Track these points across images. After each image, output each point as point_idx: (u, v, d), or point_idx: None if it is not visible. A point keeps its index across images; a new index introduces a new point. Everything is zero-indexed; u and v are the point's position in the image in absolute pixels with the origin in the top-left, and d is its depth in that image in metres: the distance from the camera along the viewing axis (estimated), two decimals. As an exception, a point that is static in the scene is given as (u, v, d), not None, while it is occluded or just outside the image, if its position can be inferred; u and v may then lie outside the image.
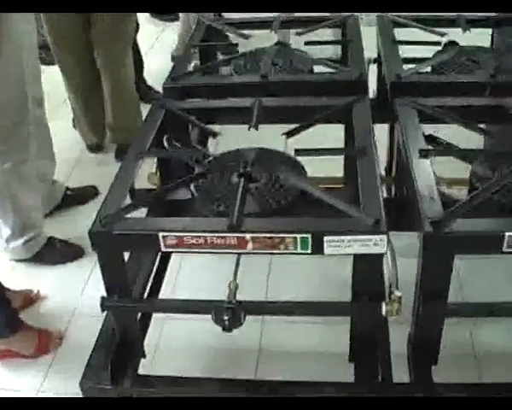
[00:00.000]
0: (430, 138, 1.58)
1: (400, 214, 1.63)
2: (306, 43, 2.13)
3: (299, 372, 1.61)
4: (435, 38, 2.06)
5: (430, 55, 1.98)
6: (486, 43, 2.21)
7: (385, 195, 1.86)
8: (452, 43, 2.06)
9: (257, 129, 1.62)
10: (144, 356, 1.56)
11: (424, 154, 1.45)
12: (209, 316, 1.36)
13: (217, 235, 1.28)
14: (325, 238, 1.25)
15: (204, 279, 2.15)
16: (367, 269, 1.31)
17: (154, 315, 1.72)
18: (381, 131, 1.84)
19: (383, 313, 1.33)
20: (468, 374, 1.74)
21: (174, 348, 2.01)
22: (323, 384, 1.44)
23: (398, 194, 1.90)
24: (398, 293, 1.33)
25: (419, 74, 1.83)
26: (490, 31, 2.25)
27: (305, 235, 1.26)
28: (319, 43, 2.20)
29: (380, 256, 1.28)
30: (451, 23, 2.13)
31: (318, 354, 1.90)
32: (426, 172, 1.41)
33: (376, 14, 2.22)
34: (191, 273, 2.24)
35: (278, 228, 1.28)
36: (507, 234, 1.22)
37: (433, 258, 1.28)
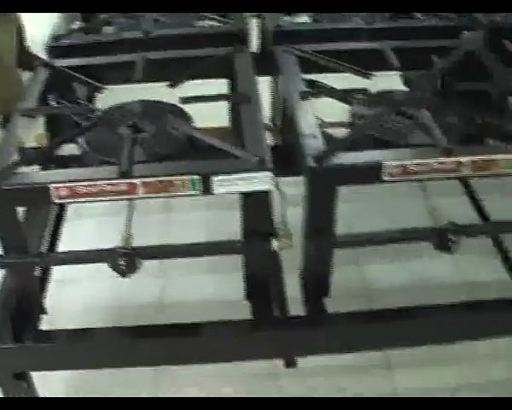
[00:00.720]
0: (310, 82, 1.67)
1: (287, 162, 1.71)
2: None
3: (199, 318, 1.68)
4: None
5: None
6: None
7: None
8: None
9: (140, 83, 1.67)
10: (45, 312, 1.59)
11: (304, 96, 1.54)
12: (108, 275, 1.42)
13: (107, 182, 1.32)
14: (213, 178, 1.32)
15: (103, 232, 2.18)
16: (255, 207, 1.39)
17: (55, 279, 1.75)
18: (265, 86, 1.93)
19: (274, 248, 1.42)
20: (361, 305, 1.84)
21: (75, 307, 2.05)
22: (221, 324, 1.52)
23: (284, 143, 1.99)
24: (287, 228, 1.43)
25: (299, 24, 1.92)
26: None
27: (194, 176, 1.32)
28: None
29: (266, 193, 1.36)
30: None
31: (217, 301, 1.99)
32: (307, 112, 1.50)
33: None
34: (89, 227, 2.28)
35: (168, 172, 1.34)
36: (385, 163, 1.34)
37: (317, 191, 1.38)
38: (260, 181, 1.33)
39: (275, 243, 1.42)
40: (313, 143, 1.39)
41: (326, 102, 1.64)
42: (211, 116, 1.71)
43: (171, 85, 1.65)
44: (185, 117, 1.58)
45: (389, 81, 1.76)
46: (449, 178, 1.40)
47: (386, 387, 1.86)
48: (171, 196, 1.35)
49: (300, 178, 1.42)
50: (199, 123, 1.59)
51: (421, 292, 1.97)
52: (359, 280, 2.13)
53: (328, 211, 1.40)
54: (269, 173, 1.33)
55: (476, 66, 1.74)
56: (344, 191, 1.39)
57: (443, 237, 1.43)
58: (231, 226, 1.53)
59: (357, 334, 1.57)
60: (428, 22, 1.96)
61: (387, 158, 1.35)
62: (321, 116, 1.59)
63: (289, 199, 1.43)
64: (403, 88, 1.73)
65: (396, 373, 1.92)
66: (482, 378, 1.90)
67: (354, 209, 2.09)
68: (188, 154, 1.48)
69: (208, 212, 2.32)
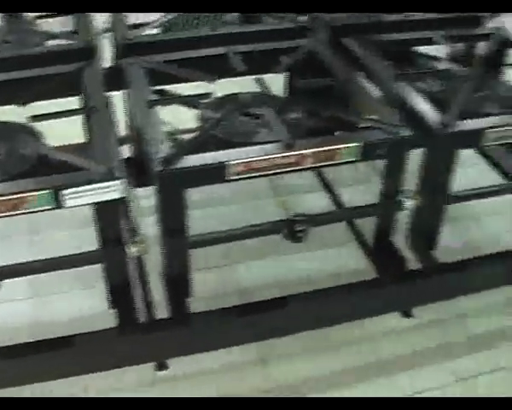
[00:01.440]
0: (158, 91, 1.75)
1: (143, 172, 1.79)
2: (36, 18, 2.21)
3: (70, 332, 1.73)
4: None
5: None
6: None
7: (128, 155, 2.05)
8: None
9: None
10: None
11: (150, 105, 1.62)
12: None
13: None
14: (64, 192, 1.38)
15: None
16: (109, 216, 1.46)
17: None
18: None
19: (132, 253, 1.49)
20: (233, 302, 1.92)
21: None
22: (87, 335, 1.57)
23: (137, 150, 2.06)
24: (141, 233, 1.51)
25: (145, 35, 2.00)
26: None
27: (44, 192, 1.37)
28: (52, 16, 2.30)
29: (118, 201, 1.43)
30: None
31: (88, 314, 2.03)
32: (153, 120, 1.58)
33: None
34: None
35: (20, 189, 1.38)
36: (228, 163, 1.43)
37: (166, 195, 1.46)
38: (111, 190, 1.40)
39: (131, 249, 1.49)
40: (159, 149, 1.47)
41: (182, 110, 1.74)
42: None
43: (22, 104, 1.68)
44: (35, 135, 1.63)
45: (241, 84, 1.88)
46: (293, 171, 1.51)
47: (263, 383, 1.96)
48: (25, 212, 1.39)
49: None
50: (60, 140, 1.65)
51: (291, 285, 2.08)
52: (231, 279, 2.22)
53: (179, 213, 1.49)
54: (119, 182, 1.40)
55: (319, 64, 1.87)
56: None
57: (291, 228, 1.54)
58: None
59: (223, 330, 1.66)
60: (274, 25, 2.08)
61: (231, 157, 1.44)
62: (174, 123, 1.68)
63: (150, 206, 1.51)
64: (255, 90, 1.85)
65: (272, 368, 2.02)
66: (356, 362, 2.04)
67: (211, 211, 2.20)
68: (40, 171, 1.53)
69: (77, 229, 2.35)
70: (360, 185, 2.41)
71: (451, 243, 2.28)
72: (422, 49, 2.11)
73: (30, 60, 1.88)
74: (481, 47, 2.12)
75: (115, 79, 1.90)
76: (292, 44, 1.93)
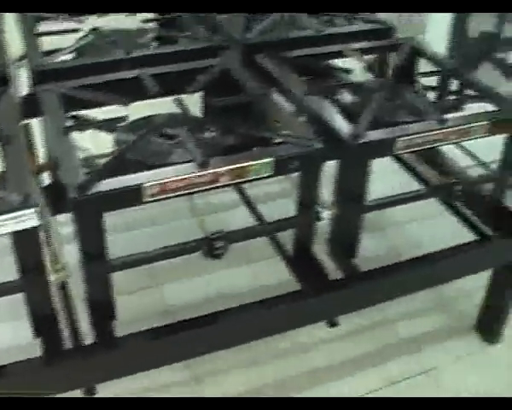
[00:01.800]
0: (74, 117, 1.78)
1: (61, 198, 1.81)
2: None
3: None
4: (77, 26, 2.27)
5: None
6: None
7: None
8: (95, 30, 2.29)
9: None
10: None
11: (66, 131, 1.64)
12: None
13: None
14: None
15: None
16: (26, 244, 1.47)
17: None
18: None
19: (53, 281, 1.51)
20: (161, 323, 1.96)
21: None
22: (12, 365, 1.58)
23: (54, 177, 2.08)
24: (62, 261, 1.53)
25: (59, 62, 2.02)
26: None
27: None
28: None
29: (36, 229, 1.45)
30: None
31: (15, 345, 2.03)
32: (68, 146, 1.60)
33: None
34: None
35: None
36: (144, 185, 1.47)
37: (83, 220, 1.48)
38: (27, 218, 1.41)
39: (52, 276, 1.51)
40: (74, 175, 1.49)
41: (101, 135, 1.77)
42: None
43: None
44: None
45: (159, 106, 1.92)
46: (210, 189, 1.56)
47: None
48: None
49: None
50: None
51: (216, 302, 2.12)
52: (158, 300, 2.26)
53: (98, 238, 1.51)
54: (34, 210, 1.41)
55: (233, 82, 1.93)
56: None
57: (210, 246, 1.59)
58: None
59: (151, 351, 1.69)
60: (188, 46, 2.13)
61: (147, 179, 1.48)
62: (90, 149, 1.71)
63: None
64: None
65: (205, 385, 2.06)
66: (288, 374, 2.10)
67: (131, 234, 2.24)
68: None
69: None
70: (282, 199, 2.48)
71: (373, 250, 2.37)
72: (337, 62, 2.18)
73: None
74: (393, 58, 2.21)
75: (31, 106, 1.90)
76: (205, 64, 1.98)
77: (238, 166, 1.55)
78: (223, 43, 2.11)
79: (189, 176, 1.51)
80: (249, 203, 2.26)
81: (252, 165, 1.56)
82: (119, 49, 2.06)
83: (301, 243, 1.80)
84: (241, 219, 2.14)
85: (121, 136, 1.69)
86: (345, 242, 1.85)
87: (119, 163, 1.56)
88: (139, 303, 2.18)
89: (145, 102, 1.88)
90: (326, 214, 1.71)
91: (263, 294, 1.86)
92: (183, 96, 1.90)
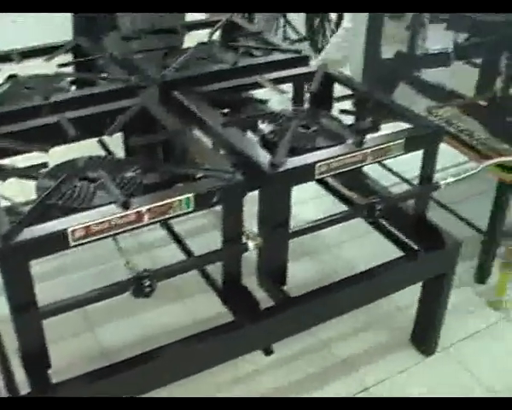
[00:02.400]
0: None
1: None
2: None
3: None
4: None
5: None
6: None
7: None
8: (12, 77, 2.33)
9: None
10: None
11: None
12: None
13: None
14: None
15: None
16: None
17: None
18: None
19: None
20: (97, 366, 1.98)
21: None
22: None
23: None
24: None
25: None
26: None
27: None
28: None
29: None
30: (7, 58, 2.43)
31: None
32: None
33: None
34: None
35: None
36: (68, 230, 1.52)
37: (10, 270, 1.52)
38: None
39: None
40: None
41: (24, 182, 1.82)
42: None
43: None
44: None
45: (81, 149, 1.97)
46: (134, 229, 1.61)
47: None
48: None
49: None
50: None
51: (152, 340, 2.17)
52: (93, 343, 2.30)
53: (26, 286, 1.55)
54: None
55: (151, 120, 2.00)
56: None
57: (138, 285, 1.64)
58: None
59: (87, 395, 1.73)
60: (106, 87, 2.20)
61: (71, 224, 1.53)
62: (12, 197, 1.76)
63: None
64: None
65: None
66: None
67: (59, 280, 2.27)
68: None
69: None
70: (210, 232, 2.55)
71: (305, 275, 2.45)
72: (254, 93, 2.28)
73: None
74: (308, 85, 2.31)
75: None
76: (123, 104, 2.05)
77: (159, 203, 1.61)
78: (140, 83, 2.18)
79: (111, 217, 1.56)
80: (177, 239, 2.32)
81: (173, 202, 1.62)
82: (37, 95, 2.11)
83: (231, 275, 1.86)
84: (170, 255, 2.19)
85: (43, 182, 1.74)
86: (273, 269, 1.93)
87: (42, 210, 1.60)
88: (74, 348, 2.21)
89: (66, 146, 1.94)
90: (252, 245, 1.77)
91: (197, 328, 1.91)
92: (105, 138, 1.96)
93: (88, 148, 2.05)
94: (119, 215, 1.57)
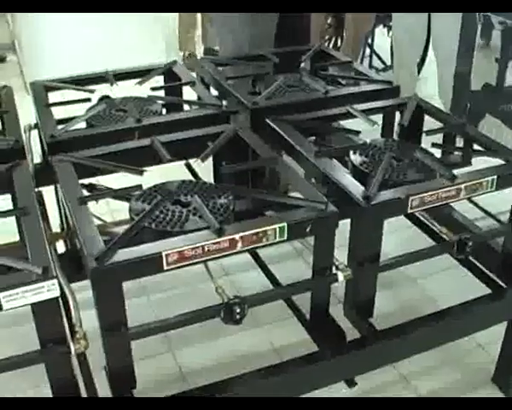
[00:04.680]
0: (88, 186, 1.82)
1: (78, 266, 1.82)
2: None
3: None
4: (87, 95, 2.33)
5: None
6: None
7: (63, 250, 2.09)
8: (106, 97, 2.35)
9: None
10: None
11: (82, 201, 1.68)
12: None
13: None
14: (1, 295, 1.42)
15: None
16: (46, 315, 1.49)
17: None
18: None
19: (74, 351, 1.53)
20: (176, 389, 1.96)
21: None
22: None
23: (71, 245, 2.11)
24: (81, 330, 1.55)
25: (72, 131, 2.07)
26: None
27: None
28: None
29: (55, 300, 1.47)
30: (101, 79, 2.44)
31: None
32: (85, 216, 1.63)
33: (29, 81, 2.44)
34: None
35: None
36: (162, 254, 1.50)
37: (103, 290, 1.51)
38: (47, 290, 1.44)
39: (73, 346, 1.53)
40: (92, 244, 1.52)
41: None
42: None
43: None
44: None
45: (170, 171, 1.96)
46: (226, 256, 1.58)
47: None
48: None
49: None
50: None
51: (233, 366, 2.13)
52: (173, 365, 2.27)
53: (117, 307, 1.53)
54: (54, 281, 1.44)
55: (243, 147, 1.97)
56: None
57: (229, 312, 1.61)
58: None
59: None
60: (197, 113, 2.18)
61: (165, 248, 1.51)
62: (105, 217, 1.75)
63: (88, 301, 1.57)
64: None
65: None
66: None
67: (148, 299, 2.26)
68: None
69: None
70: (295, 260, 2.51)
71: (388, 308, 2.38)
72: (344, 123, 2.23)
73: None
74: (398, 117, 2.26)
75: (45, 175, 1.96)
76: (215, 130, 2.03)
77: (253, 232, 1.58)
78: (232, 109, 2.16)
79: (206, 243, 1.54)
80: (261, 264, 2.28)
81: (266, 231, 1.59)
82: (130, 118, 2.11)
83: (318, 305, 1.82)
84: (253, 280, 2.15)
85: (136, 204, 1.72)
86: (361, 301, 1.87)
87: (136, 232, 1.59)
88: (153, 368, 2.19)
89: (157, 167, 1.93)
90: (342, 276, 1.72)
91: (276, 355, 1.87)
92: (195, 163, 1.95)
93: (175, 172, 2.03)
94: (212, 242, 1.54)
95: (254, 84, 2.49)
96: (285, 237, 1.62)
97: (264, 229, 1.59)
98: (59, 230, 2.19)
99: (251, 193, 1.81)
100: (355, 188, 1.76)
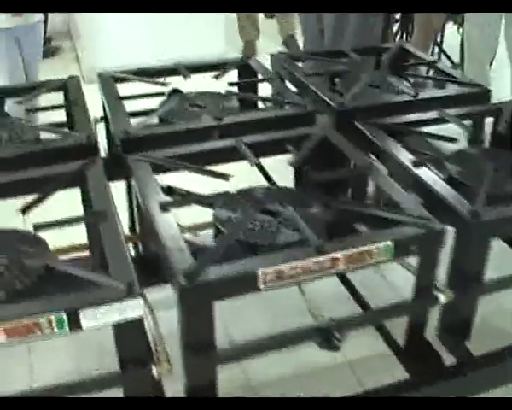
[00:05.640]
0: (168, 190, 1.63)
1: (151, 269, 1.64)
2: (28, 111, 2.11)
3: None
4: (159, 88, 2.14)
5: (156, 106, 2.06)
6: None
7: (132, 253, 1.91)
8: (176, 91, 2.15)
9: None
10: None
11: (165, 207, 1.49)
12: None
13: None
14: (81, 313, 1.24)
15: None
16: (129, 335, 1.31)
17: None
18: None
19: (156, 374, 1.34)
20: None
21: None
22: None
23: (144, 250, 1.93)
24: (164, 352, 1.36)
25: (147, 127, 1.88)
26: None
27: (58, 314, 1.23)
28: (43, 109, 2.19)
29: (139, 320, 1.29)
30: (173, 71, 2.24)
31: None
32: (169, 225, 1.44)
33: (97, 71, 2.24)
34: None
35: (27, 312, 1.23)
36: (259, 272, 1.31)
37: (192, 309, 1.32)
38: (131, 308, 1.26)
39: (155, 369, 1.34)
40: (181, 259, 1.33)
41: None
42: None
43: (23, 213, 1.54)
44: (39, 244, 1.49)
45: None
46: (325, 275, 1.38)
47: None
48: (35, 339, 1.24)
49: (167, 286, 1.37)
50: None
51: (307, 379, 1.94)
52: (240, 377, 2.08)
53: (206, 327, 1.35)
54: (140, 300, 1.26)
55: (330, 151, 1.77)
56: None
57: (326, 335, 1.42)
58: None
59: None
60: (279, 113, 1.98)
61: (261, 265, 1.32)
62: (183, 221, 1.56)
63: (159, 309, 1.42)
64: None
65: None
66: None
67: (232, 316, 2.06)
68: (46, 286, 1.39)
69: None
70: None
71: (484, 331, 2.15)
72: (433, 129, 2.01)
73: (28, 159, 1.74)
74: (491, 123, 2.04)
75: (115, 169, 1.78)
76: (302, 132, 1.83)
77: (356, 250, 1.38)
78: (317, 109, 1.95)
79: (306, 262, 1.34)
80: (349, 285, 2.07)
81: (371, 249, 1.39)
82: (207, 115, 1.91)
83: (414, 328, 1.62)
84: (340, 301, 1.94)
85: (220, 213, 1.54)
86: (459, 324, 1.66)
87: (227, 245, 1.40)
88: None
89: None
90: (443, 298, 1.52)
91: (357, 376, 1.68)
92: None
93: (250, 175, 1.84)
94: (314, 260, 1.35)
95: (334, 83, 2.28)
96: (391, 257, 1.42)
97: (368, 247, 1.39)
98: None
99: (343, 203, 1.61)
100: (459, 202, 1.56)
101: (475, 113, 2.05)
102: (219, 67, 2.26)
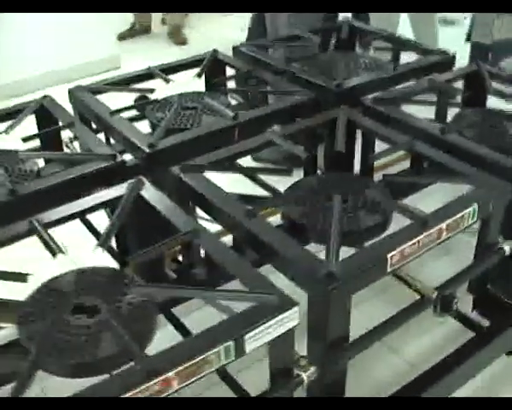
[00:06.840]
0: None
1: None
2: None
3: None
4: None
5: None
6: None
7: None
8: (143, 98, 2.04)
9: None
10: None
11: (251, 213, 1.44)
12: None
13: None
14: (245, 337, 1.15)
15: None
16: (282, 348, 1.24)
17: None
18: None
19: (303, 382, 1.27)
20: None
21: None
22: None
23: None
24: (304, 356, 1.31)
25: (170, 138, 1.75)
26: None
27: (228, 343, 1.13)
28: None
29: (293, 329, 1.22)
30: (146, 77, 2.15)
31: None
32: (269, 228, 1.42)
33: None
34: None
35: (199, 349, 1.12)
36: (389, 255, 1.30)
37: (335, 307, 1.29)
38: (288, 318, 1.19)
39: (304, 375, 1.28)
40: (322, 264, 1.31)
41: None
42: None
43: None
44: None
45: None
46: (430, 249, 1.40)
47: None
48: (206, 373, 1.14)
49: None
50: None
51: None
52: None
53: (345, 322, 1.33)
54: (295, 308, 1.19)
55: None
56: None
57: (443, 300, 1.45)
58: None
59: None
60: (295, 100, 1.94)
61: (388, 249, 1.31)
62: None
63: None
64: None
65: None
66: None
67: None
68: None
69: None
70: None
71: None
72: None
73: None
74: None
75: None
76: (330, 116, 1.84)
77: (455, 218, 1.41)
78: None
79: (420, 238, 1.35)
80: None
81: (464, 215, 1.43)
82: (217, 116, 1.84)
83: (480, 281, 1.67)
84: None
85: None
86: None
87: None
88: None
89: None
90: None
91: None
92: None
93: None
94: (425, 234, 1.36)
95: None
96: (476, 219, 1.47)
97: (462, 214, 1.43)
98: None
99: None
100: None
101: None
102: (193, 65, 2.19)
